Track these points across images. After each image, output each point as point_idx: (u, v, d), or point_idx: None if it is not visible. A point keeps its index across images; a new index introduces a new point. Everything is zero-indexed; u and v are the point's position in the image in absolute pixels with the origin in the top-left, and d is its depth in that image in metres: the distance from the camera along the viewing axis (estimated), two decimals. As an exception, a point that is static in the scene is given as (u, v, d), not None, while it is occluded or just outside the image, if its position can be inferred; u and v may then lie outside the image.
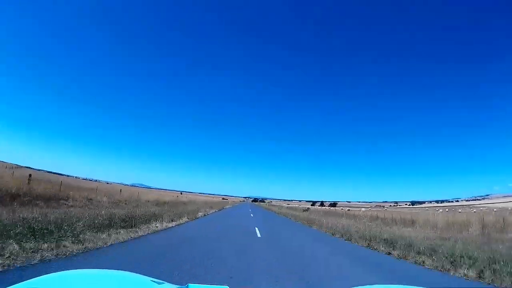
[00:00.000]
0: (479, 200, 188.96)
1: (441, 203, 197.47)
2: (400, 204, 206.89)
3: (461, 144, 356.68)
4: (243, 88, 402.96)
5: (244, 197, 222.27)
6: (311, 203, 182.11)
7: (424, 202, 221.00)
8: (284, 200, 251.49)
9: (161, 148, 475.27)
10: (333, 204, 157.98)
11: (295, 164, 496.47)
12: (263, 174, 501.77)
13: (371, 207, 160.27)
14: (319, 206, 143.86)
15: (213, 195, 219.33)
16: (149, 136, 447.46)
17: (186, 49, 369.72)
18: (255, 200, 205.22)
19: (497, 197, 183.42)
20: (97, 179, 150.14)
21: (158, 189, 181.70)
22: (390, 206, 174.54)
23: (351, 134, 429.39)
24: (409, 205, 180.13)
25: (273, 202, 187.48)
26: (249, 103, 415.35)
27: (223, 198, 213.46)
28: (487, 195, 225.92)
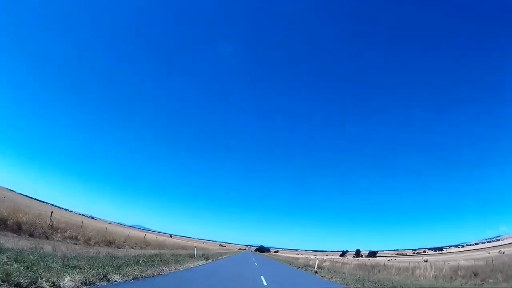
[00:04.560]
0: (493, 241, 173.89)
1: (461, 247, 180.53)
2: (417, 251, 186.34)
3: (467, 186, 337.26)
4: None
5: (245, 245, 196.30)
6: (341, 252, 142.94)
7: (442, 248, 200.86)
8: (290, 249, 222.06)
9: (155, 187, 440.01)
10: (373, 254, 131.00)
11: (302, 209, 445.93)
12: (268, 220, 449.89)
13: (392, 255, 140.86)
14: (354, 256, 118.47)
15: (208, 241, 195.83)
16: (143, 175, 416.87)
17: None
18: (260, 249, 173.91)
19: (510, 237, 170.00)
20: (92, 215, 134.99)
21: (154, 231, 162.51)
22: (413, 253, 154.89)
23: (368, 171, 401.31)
24: (436, 251, 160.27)
25: (280, 252, 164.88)
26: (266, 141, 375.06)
27: (221, 245, 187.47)
28: (499, 236, 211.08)
